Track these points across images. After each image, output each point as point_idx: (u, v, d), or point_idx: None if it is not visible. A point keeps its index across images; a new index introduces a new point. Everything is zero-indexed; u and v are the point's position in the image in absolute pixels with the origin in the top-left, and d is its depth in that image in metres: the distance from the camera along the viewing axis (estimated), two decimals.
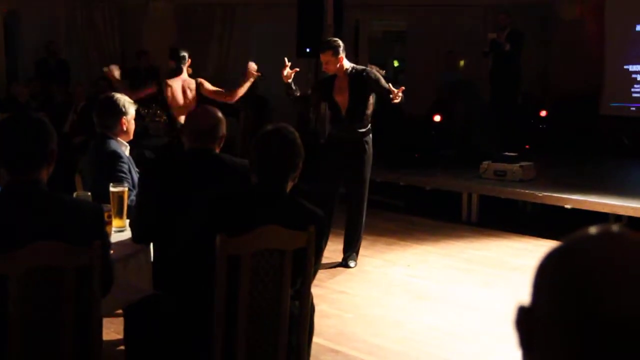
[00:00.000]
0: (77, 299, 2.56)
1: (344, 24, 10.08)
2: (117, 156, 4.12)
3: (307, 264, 2.85)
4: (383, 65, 16.92)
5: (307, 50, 10.07)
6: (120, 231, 3.62)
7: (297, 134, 3.01)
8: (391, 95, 5.68)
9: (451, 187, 8.34)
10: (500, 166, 8.05)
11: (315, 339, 3.38)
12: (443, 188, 8.41)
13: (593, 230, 1.01)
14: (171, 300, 3.21)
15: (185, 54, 6.81)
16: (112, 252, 2.90)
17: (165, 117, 9.92)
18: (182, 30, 12.31)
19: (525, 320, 1.01)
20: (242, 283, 2.73)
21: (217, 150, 3.57)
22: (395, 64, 16.34)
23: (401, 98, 5.69)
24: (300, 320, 2.91)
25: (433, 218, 7.99)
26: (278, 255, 2.80)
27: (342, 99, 5.95)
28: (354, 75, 5.92)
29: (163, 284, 3.34)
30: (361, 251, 6.33)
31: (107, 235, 2.89)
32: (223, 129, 3.59)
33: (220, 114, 3.61)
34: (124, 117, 4.25)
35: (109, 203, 3.62)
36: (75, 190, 4.17)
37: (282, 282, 2.81)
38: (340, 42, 5.95)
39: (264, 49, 12.78)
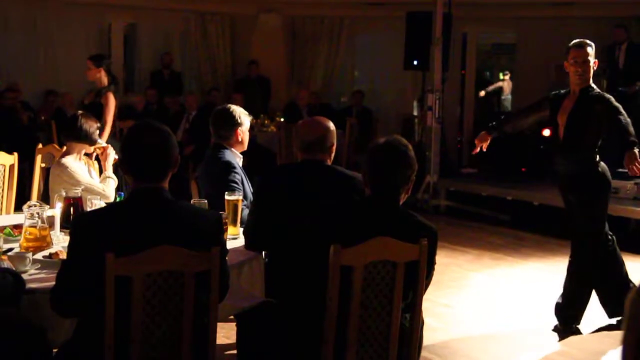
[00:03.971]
0: (195, 304, 2.65)
1: (452, 36, 10.02)
2: (231, 166, 4.24)
3: (419, 277, 2.86)
4: (490, 77, 16.74)
5: (415, 62, 10.07)
6: (234, 239, 3.72)
7: (409, 147, 3.01)
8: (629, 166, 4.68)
9: (560, 202, 8.10)
10: (613, 183, 7.77)
11: (422, 352, 3.38)
12: (552, 204, 8.21)
13: None
14: (283, 308, 3.28)
15: None
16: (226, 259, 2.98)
17: (273, 127, 10.15)
18: (290, 42, 12.53)
19: None
20: (354, 293, 2.76)
21: (329, 161, 3.62)
22: (501, 76, 16.10)
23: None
24: (411, 334, 2.92)
25: (540, 233, 7.83)
26: (390, 267, 2.81)
27: (562, 120, 4.91)
28: (586, 95, 4.80)
29: (275, 291, 3.41)
30: (466, 265, 6.26)
31: (224, 243, 2.97)
32: (332, 139, 3.62)
33: (329, 124, 3.64)
34: (239, 128, 4.38)
35: (223, 211, 3.72)
36: (188, 197, 4.31)
37: (394, 294, 2.83)
38: None
39: (370, 60, 12.87)
